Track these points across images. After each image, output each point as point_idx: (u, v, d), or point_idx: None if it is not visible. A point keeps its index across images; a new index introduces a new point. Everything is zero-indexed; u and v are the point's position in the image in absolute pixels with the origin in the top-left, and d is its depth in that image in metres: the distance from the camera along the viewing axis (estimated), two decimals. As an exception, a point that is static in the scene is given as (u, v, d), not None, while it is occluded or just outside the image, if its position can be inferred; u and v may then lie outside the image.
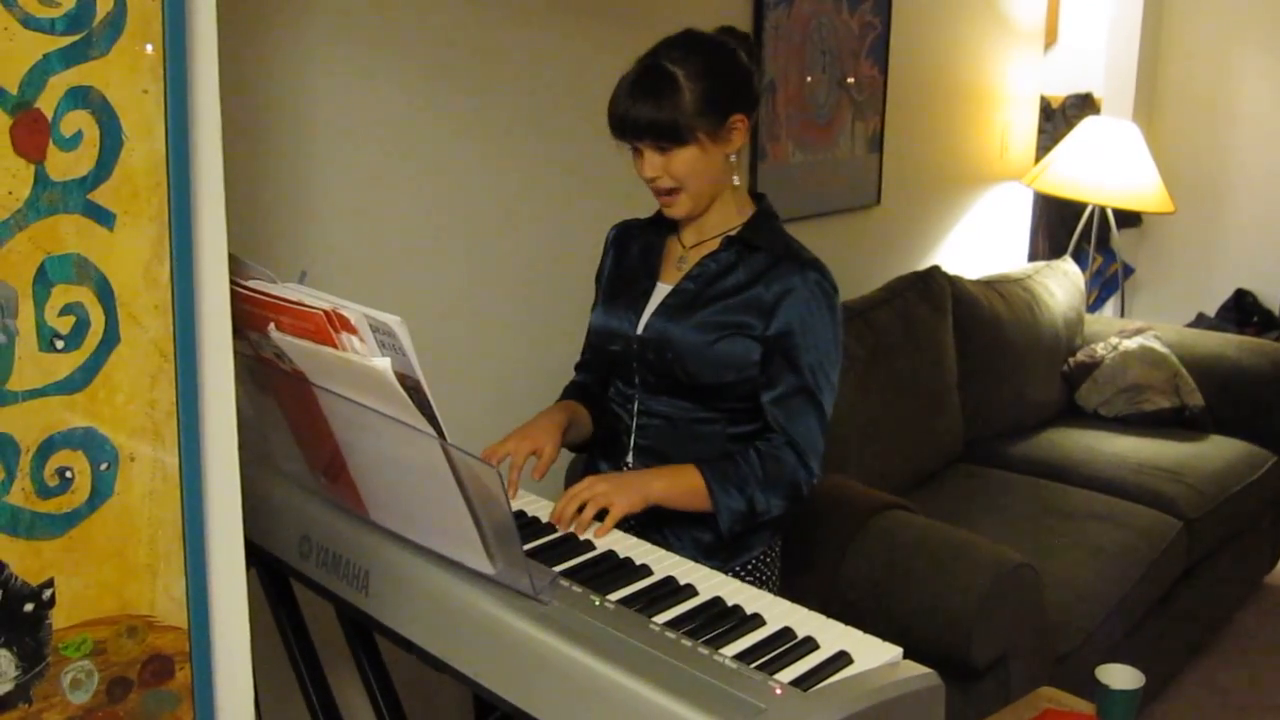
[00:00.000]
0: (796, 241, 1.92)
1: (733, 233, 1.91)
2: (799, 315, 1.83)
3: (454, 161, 2.46)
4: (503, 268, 2.61)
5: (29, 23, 1.01)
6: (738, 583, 1.53)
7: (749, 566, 1.94)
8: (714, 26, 1.90)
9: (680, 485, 1.80)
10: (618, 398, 1.98)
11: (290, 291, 1.40)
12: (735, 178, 1.89)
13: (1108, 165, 4.32)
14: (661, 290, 1.94)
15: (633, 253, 2.03)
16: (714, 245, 1.92)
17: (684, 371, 1.86)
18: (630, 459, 1.95)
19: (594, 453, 2.05)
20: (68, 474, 1.09)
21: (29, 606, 1.09)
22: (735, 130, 1.84)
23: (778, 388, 1.84)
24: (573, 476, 2.54)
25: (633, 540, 1.66)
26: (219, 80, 1.15)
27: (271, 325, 1.42)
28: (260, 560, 1.76)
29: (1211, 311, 4.90)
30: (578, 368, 2.14)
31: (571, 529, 1.69)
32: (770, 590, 1.93)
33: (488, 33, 2.47)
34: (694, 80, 1.78)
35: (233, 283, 1.21)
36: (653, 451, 1.93)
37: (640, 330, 1.92)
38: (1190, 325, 4.67)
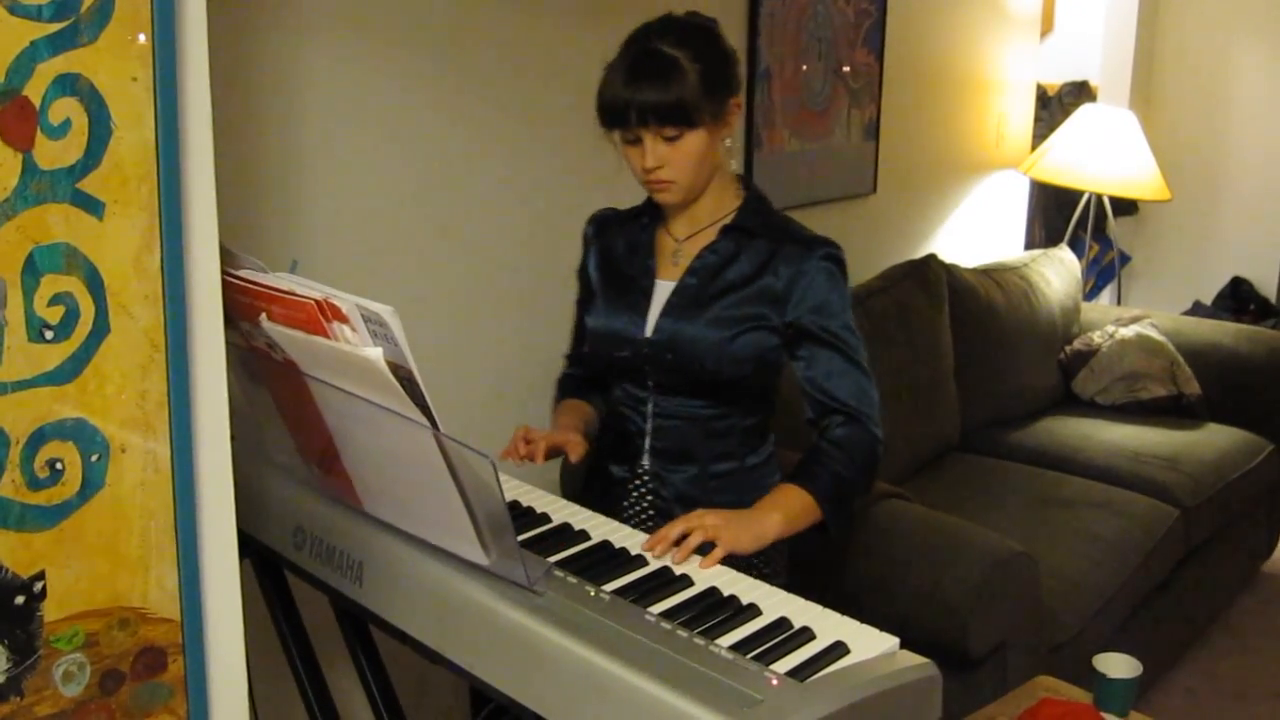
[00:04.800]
0: (795, 222, 1.90)
1: (729, 220, 1.88)
2: (816, 293, 1.81)
3: (446, 151, 2.45)
4: (495, 257, 2.60)
5: (16, 9, 1.00)
6: (734, 573, 1.53)
7: (765, 554, 1.86)
8: (710, 14, 1.89)
9: (793, 510, 1.75)
10: (627, 400, 1.93)
11: (282, 281, 1.39)
12: (733, 162, 1.88)
13: (1104, 153, 4.31)
14: (663, 288, 1.90)
15: (619, 248, 1.98)
16: (710, 235, 1.88)
17: (703, 370, 1.83)
18: (646, 462, 1.92)
19: (602, 455, 1.98)
20: (58, 465, 1.09)
21: (20, 599, 1.08)
22: (732, 113, 1.83)
23: (819, 367, 1.83)
24: (568, 478, 2.53)
25: (626, 530, 1.65)
26: (209, 68, 1.14)
27: (263, 315, 1.41)
28: (254, 551, 1.75)
29: (1208, 299, 4.90)
30: (569, 359, 2.11)
31: (668, 559, 1.56)
32: (781, 569, 1.93)
33: (479, 21, 2.46)
34: (695, 62, 1.76)
35: (224, 272, 1.21)
36: (670, 453, 1.90)
37: (649, 333, 1.88)
38: (1187, 313, 4.67)
